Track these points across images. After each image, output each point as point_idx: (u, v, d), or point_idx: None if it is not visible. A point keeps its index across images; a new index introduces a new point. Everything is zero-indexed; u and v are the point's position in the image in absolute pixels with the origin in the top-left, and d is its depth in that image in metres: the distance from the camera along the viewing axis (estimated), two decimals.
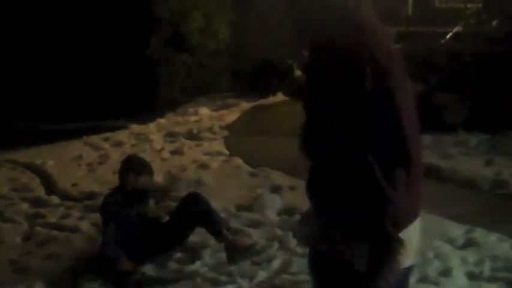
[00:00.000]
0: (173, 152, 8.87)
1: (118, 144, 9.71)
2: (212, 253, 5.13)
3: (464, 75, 8.55)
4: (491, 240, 5.20)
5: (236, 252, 4.93)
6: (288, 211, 6.01)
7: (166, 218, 5.31)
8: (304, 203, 5.70)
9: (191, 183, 7.07)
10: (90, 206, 6.52)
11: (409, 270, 2.61)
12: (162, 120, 11.38)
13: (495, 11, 9.28)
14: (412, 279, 4.36)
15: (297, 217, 5.37)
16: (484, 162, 7.30)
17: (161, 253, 5.05)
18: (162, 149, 9.10)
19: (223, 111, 11.64)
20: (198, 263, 5.00)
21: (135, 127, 10.84)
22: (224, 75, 13.83)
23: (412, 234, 2.53)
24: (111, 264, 4.79)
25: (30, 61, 13.08)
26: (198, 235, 5.23)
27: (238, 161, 8.04)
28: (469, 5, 10.47)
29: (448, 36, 10.54)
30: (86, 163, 8.64)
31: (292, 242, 5.14)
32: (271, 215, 5.99)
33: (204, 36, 13.62)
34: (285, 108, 11.03)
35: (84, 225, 6.05)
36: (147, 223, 5.09)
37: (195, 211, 5.04)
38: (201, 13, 13.51)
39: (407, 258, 2.49)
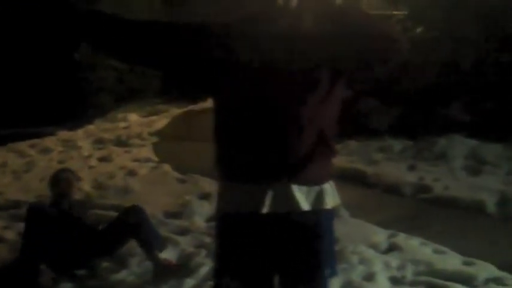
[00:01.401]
0: (101, 159, 8.76)
1: (45, 151, 9.54)
2: (139, 262, 5.09)
3: (390, 81, 8.71)
4: (413, 244, 5.31)
5: (164, 270, 4.90)
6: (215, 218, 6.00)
7: (104, 226, 5.28)
8: None
9: (119, 190, 7.01)
10: (16, 215, 6.38)
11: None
12: (90, 127, 11.24)
13: (420, 18, 9.46)
14: (336, 284, 4.45)
15: None
16: (407, 168, 7.47)
17: (90, 260, 5.00)
18: (90, 156, 8.99)
19: (152, 117, 11.57)
20: (124, 272, 4.96)
21: (63, 133, 10.67)
22: (155, 81, 13.75)
23: None
24: (29, 276, 4.73)
25: None
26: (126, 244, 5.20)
27: (167, 167, 8.00)
28: (395, 12, 10.63)
29: None
30: (11, 170, 8.46)
31: None
32: (199, 222, 5.99)
33: None
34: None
35: (9, 235, 5.90)
36: (80, 229, 5.03)
37: (131, 223, 5.00)
38: (133, 17, 13.39)
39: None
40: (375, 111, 8.66)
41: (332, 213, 2.75)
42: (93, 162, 8.64)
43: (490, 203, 6.33)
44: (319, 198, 2.65)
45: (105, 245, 5.04)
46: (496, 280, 4.67)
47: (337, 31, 2.47)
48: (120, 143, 9.69)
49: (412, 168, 7.46)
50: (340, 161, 7.74)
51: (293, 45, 2.50)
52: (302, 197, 2.60)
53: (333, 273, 2.75)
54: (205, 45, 2.54)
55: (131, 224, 4.99)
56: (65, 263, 4.93)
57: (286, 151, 2.54)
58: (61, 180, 5.29)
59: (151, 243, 4.97)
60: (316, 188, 2.64)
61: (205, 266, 4.94)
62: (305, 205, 2.61)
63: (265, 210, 2.58)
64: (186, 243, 5.44)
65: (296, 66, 2.50)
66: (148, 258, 4.96)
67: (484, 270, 4.81)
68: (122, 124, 11.19)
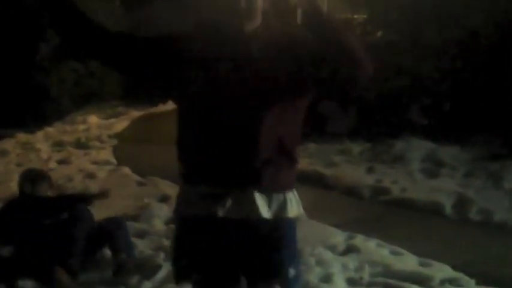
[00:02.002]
0: (60, 162, 8.67)
1: (3, 153, 9.41)
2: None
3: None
4: (370, 246, 5.34)
5: (124, 268, 4.86)
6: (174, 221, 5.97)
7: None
8: None
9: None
10: None
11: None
12: (49, 129, 11.12)
13: (380, 21, 9.54)
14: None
15: None
16: (365, 170, 7.52)
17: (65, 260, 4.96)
18: (49, 159, 8.89)
19: (112, 120, 11.49)
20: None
21: (22, 136, 10.54)
22: (114, 83, 13.65)
23: None
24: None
25: None
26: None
27: (126, 170, 7.95)
28: (355, 16, 10.71)
29: None
30: None
31: None
32: (159, 224, 5.96)
33: None
34: (175, 117, 10.98)
35: None
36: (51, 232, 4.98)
37: (108, 232, 4.99)
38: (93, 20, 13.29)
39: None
40: (334, 114, 8.70)
41: (294, 223, 2.75)
42: (52, 164, 8.55)
43: (447, 205, 6.41)
44: (281, 206, 2.65)
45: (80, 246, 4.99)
46: (452, 281, 4.72)
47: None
48: (80, 145, 9.61)
49: (370, 170, 7.52)
50: (299, 163, 7.74)
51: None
52: (263, 204, 2.61)
53: (297, 283, 2.76)
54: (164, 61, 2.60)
55: (108, 232, 4.99)
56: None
57: (246, 158, 2.54)
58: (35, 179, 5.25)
59: (121, 257, 4.94)
60: (278, 196, 2.64)
61: (164, 269, 4.91)
62: (265, 212, 2.61)
63: (223, 214, 2.58)
64: (144, 245, 5.40)
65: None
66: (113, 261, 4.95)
67: (440, 271, 4.86)
68: (82, 127, 11.09)
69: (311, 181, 7.28)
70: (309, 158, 7.91)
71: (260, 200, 2.60)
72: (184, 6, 10.46)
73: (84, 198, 5.31)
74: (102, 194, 5.40)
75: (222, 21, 2.62)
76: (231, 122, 2.52)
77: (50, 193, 5.32)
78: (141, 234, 5.68)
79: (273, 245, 2.68)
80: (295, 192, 2.72)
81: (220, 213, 2.59)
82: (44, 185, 5.24)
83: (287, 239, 2.72)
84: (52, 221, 5.05)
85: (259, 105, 2.53)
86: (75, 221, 5.01)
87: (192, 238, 2.69)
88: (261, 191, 2.60)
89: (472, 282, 4.72)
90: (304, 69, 2.54)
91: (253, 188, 2.58)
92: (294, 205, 2.69)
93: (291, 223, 2.73)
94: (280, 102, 2.56)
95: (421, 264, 5.00)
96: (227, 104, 2.53)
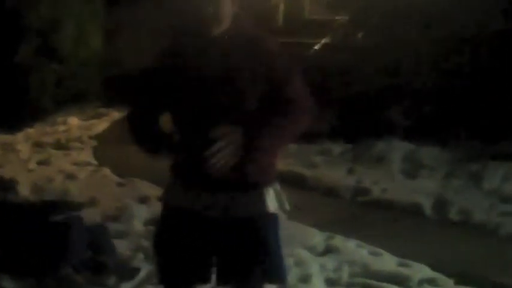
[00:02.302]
0: (40, 163, 8.60)
1: None
2: None
3: (328, 86, 8.77)
4: (350, 246, 5.34)
5: (103, 268, 4.84)
6: (154, 221, 5.93)
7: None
8: None
9: (58, 194, 6.89)
10: None
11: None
12: (30, 130, 11.02)
13: (361, 23, 9.55)
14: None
15: None
16: (346, 171, 7.52)
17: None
18: (28, 160, 8.81)
19: (92, 121, 11.41)
20: None
21: (1, 137, 10.44)
22: (96, 84, 13.57)
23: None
24: None
25: None
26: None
27: (107, 171, 7.90)
28: (337, 17, 10.72)
29: (316, 47, 10.78)
30: None
31: None
32: (138, 225, 5.92)
33: (76, 44, 13.31)
34: None
35: None
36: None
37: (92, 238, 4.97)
38: (73, 22, 13.19)
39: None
40: (315, 116, 8.68)
41: (274, 218, 2.77)
42: (32, 165, 8.47)
43: (427, 206, 6.42)
44: (259, 201, 2.66)
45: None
46: (430, 281, 4.74)
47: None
48: (60, 146, 9.53)
49: (350, 171, 7.52)
50: (279, 164, 7.72)
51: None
52: (242, 201, 2.68)
53: (281, 280, 2.78)
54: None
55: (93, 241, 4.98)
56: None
57: None
58: None
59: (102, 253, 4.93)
60: (256, 192, 2.67)
61: (143, 270, 4.89)
62: (243, 208, 2.62)
63: (203, 209, 2.70)
64: (124, 246, 5.36)
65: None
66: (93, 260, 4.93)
67: (419, 271, 4.87)
68: (62, 127, 11.01)
69: (291, 182, 7.24)
70: (289, 159, 7.89)
71: (239, 197, 2.69)
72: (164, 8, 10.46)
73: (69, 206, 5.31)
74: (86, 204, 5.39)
75: (191, 26, 2.69)
76: (207, 121, 2.60)
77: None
78: (121, 235, 5.64)
79: (252, 241, 2.70)
80: (278, 187, 2.73)
81: (201, 208, 2.70)
82: (14, 191, 5.24)
83: (264, 234, 2.73)
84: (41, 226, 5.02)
85: (230, 105, 2.63)
86: (66, 225, 4.98)
87: (173, 229, 2.83)
88: (239, 188, 2.67)
89: (451, 282, 4.74)
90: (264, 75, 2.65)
91: (232, 185, 2.66)
92: (274, 199, 2.72)
93: (270, 218, 2.74)
94: (250, 102, 2.60)
95: (400, 265, 5.01)
96: (202, 105, 2.66)
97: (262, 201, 2.75)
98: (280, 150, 2.85)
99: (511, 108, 7.65)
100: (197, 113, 2.67)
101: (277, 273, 2.83)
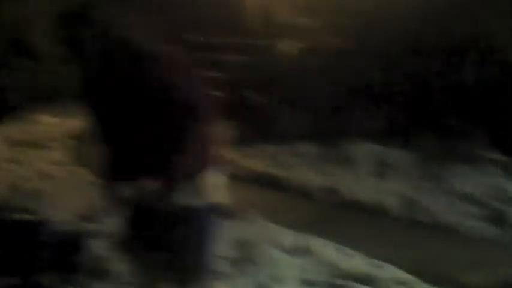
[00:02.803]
0: (16, 162, 8.57)
1: None
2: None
3: (303, 88, 8.86)
4: (320, 246, 5.41)
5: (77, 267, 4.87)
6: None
7: None
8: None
9: (33, 193, 6.88)
10: None
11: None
12: (5, 129, 10.95)
13: (334, 28, 9.62)
14: (245, 286, 4.52)
15: None
16: (317, 172, 7.60)
17: None
18: (4, 159, 8.77)
19: (70, 120, 11.36)
20: None
21: None
22: (71, 82, 13.47)
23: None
24: None
25: None
26: None
27: (82, 170, 7.89)
28: (310, 21, 10.78)
29: (289, 51, 10.88)
30: None
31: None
32: (112, 225, 5.93)
33: (52, 42, 13.22)
34: None
35: None
36: None
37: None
38: (48, 19, 13.11)
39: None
40: (287, 118, 8.79)
41: (207, 208, 2.84)
42: (7, 165, 8.43)
43: (394, 206, 6.52)
44: (189, 194, 2.71)
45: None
46: (399, 281, 4.83)
47: None
48: (36, 145, 9.49)
49: (321, 172, 7.60)
50: (254, 165, 7.86)
51: None
52: (175, 191, 2.79)
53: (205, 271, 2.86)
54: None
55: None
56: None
57: (147, 156, 2.86)
58: None
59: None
60: (188, 183, 2.78)
61: (116, 270, 4.92)
62: (172, 198, 2.77)
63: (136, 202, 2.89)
64: (98, 246, 5.39)
65: None
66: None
67: (387, 271, 4.96)
68: (39, 126, 10.95)
69: (264, 183, 7.39)
70: (263, 161, 8.00)
71: (176, 187, 2.77)
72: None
73: None
74: None
75: None
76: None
77: None
78: (96, 235, 5.66)
79: (173, 229, 2.75)
80: (219, 178, 2.87)
81: (134, 201, 2.90)
82: None
83: (196, 226, 2.77)
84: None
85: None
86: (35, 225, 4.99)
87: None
88: (169, 179, 2.79)
89: (419, 282, 4.83)
90: None
91: (158, 177, 2.81)
92: (203, 192, 2.76)
93: (202, 210, 2.78)
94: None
95: (369, 265, 5.09)
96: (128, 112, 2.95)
97: (192, 192, 2.82)
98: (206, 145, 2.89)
99: (473, 110, 7.79)
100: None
101: (195, 271, 2.86)
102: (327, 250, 5.36)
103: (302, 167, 7.82)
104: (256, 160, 8.00)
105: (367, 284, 4.75)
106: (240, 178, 7.60)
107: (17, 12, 12.50)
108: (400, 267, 5.03)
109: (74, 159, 8.63)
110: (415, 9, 8.63)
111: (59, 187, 7.20)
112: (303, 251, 5.30)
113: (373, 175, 7.51)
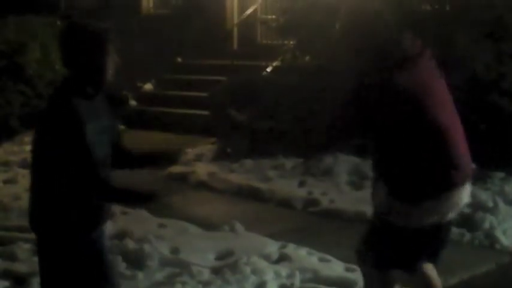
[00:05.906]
0: (6, 181, 8.52)
1: None
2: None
3: (281, 105, 8.92)
4: (301, 254, 5.42)
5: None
6: (119, 236, 5.93)
7: None
8: (136, 228, 5.70)
9: (23, 212, 6.82)
10: None
11: None
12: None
13: (307, 47, 9.71)
14: None
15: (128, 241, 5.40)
16: (298, 183, 7.64)
17: None
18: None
19: None
20: None
21: None
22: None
23: None
24: None
25: None
26: (27, 264, 5.10)
27: None
28: (286, 42, 10.88)
29: (268, 70, 10.97)
30: None
31: (122, 266, 5.11)
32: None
33: (42, 66, 13.23)
34: None
35: None
36: None
37: None
38: (38, 44, 13.12)
39: None
40: (269, 133, 8.83)
41: None
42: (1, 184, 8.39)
43: (371, 215, 6.53)
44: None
45: None
46: None
47: None
48: (26, 165, 9.42)
49: (302, 184, 7.64)
50: (236, 178, 7.88)
51: None
52: None
53: None
54: None
55: None
56: None
57: None
58: None
59: None
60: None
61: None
62: None
63: None
64: None
65: None
66: None
67: None
68: (29, 147, 10.87)
69: (247, 195, 7.42)
70: (245, 174, 8.03)
71: None
72: None
73: None
74: None
75: None
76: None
77: None
78: None
79: None
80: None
81: None
82: None
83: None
84: None
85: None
86: None
87: None
88: None
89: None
90: None
91: None
92: None
93: None
94: None
95: (347, 270, 5.11)
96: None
97: None
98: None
99: None
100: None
101: None
102: (308, 257, 5.37)
103: (284, 179, 7.84)
104: (240, 173, 8.04)
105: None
106: (224, 191, 7.66)
107: (11, 38, 12.50)
108: None
109: None
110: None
111: None
112: (285, 259, 5.31)
113: (351, 185, 7.55)
